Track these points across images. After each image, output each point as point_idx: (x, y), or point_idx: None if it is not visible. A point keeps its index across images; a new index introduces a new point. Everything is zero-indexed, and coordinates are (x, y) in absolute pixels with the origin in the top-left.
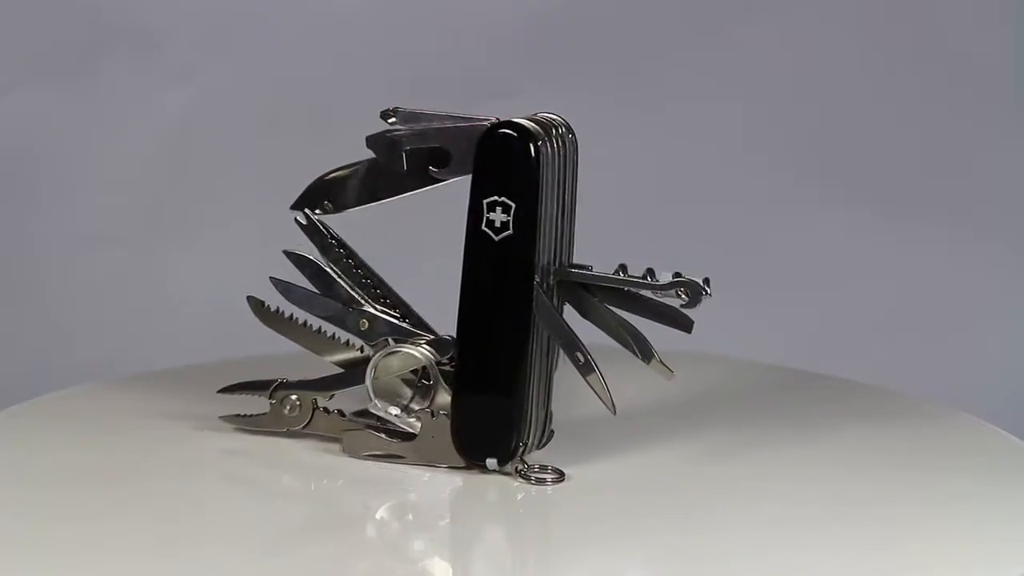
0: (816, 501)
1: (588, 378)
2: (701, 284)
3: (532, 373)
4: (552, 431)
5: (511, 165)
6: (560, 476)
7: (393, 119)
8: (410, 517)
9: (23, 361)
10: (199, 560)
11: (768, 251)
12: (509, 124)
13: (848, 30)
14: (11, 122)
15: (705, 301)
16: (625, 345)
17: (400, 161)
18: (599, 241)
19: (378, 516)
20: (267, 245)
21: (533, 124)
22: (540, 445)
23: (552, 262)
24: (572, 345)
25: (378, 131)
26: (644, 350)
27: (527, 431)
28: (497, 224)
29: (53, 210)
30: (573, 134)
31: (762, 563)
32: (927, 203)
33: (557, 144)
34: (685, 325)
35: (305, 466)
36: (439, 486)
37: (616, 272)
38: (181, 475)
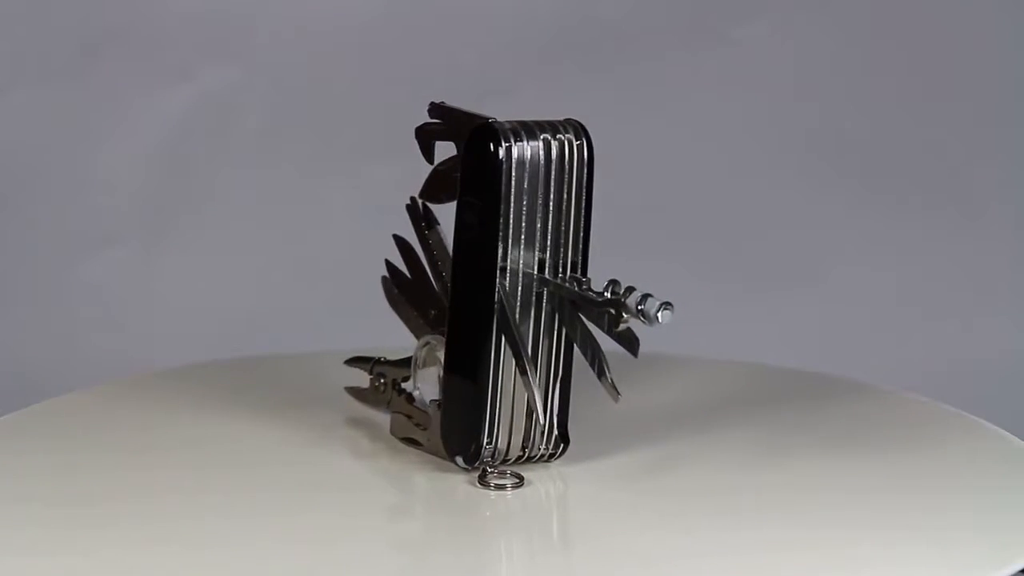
0: (810, 502)
1: (522, 378)
2: (629, 307)
3: (499, 376)
4: (563, 443)
5: (477, 165)
6: (520, 481)
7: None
8: (350, 510)
9: (21, 361)
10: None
11: (767, 250)
12: (484, 124)
13: (848, 29)
14: (11, 122)
15: (656, 326)
16: (586, 358)
17: (431, 154)
18: (596, 240)
19: (314, 502)
20: (267, 245)
21: (516, 126)
22: (540, 456)
23: (533, 268)
24: (516, 353)
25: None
26: (599, 367)
27: (496, 433)
28: (468, 224)
29: (53, 210)
30: (583, 140)
31: (732, 565)
32: (928, 202)
33: (546, 149)
34: (632, 348)
35: (303, 453)
36: (408, 481)
37: (605, 290)
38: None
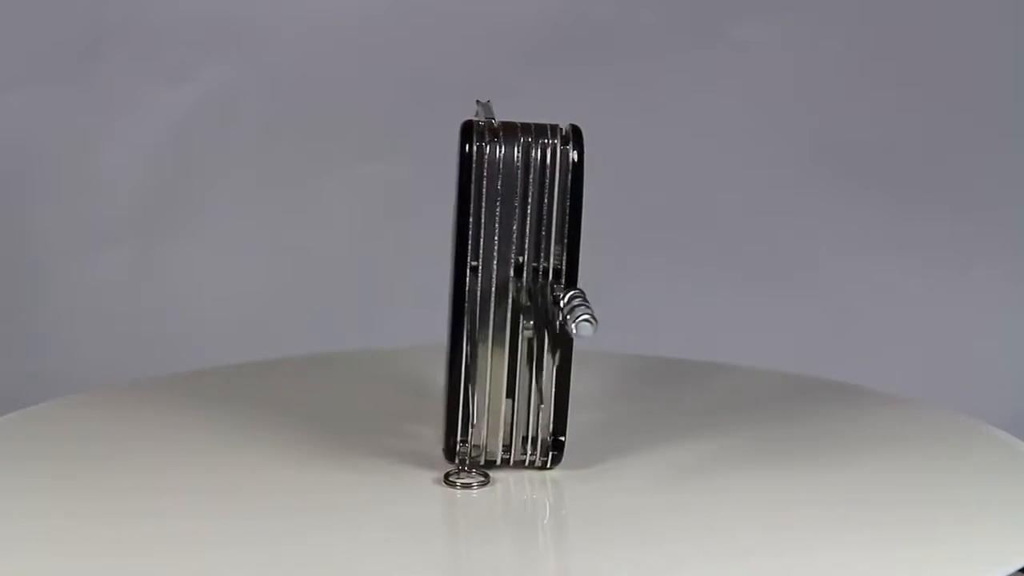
0: (804, 505)
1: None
2: (533, 313)
3: (472, 373)
4: (552, 452)
5: (458, 163)
6: (485, 480)
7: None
8: (308, 505)
9: (20, 362)
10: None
11: (767, 251)
12: (466, 123)
13: (848, 29)
14: (11, 122)
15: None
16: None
17: None
18: (596, 241)
19: (274, 495)
20: (267, 245)
21: (498, 127)
22: (529, 462)
23: (509, 271)
24: (470, 352)
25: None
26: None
27: (469, 433)
28: (455, 220)
29: (53, 210)
30: (570, 146)
31: (725, 568)
32: (929, 201)
33: (525, 152)
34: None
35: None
36: (381, 477)
37: (562, 298)
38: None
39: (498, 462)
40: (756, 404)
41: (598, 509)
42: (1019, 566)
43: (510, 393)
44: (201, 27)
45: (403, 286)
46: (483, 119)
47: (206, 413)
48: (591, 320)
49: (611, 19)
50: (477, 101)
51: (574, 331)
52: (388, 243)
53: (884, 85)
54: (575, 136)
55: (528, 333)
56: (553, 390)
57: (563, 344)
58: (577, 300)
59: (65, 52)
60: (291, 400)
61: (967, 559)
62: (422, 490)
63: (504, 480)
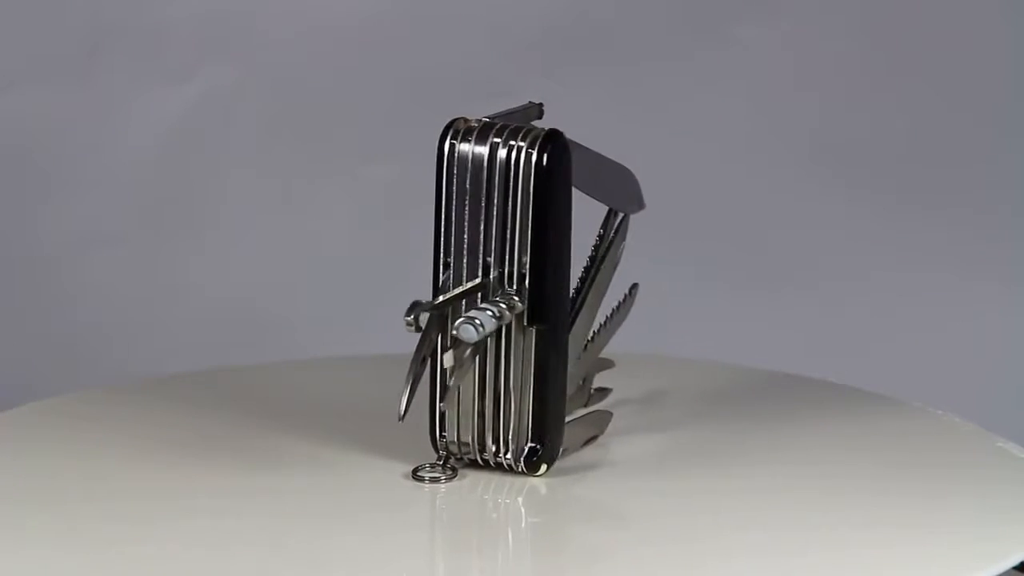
0: (796, 503)
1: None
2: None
3: (448, 371)
4: (527, 457)
5: None
6: (454, 474)
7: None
8: (287, 499)
9: (19, 362)
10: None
11: (768, 252)
12: (450, 122)
13: (849, 29)
14: (11, 121)
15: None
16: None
17: None
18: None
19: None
20: (266, 245)
21: (475, 126)
22: (508, 466)
23: (477, 272)
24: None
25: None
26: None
27: (444, 425)
28: None
29: (53, 210)
30: (536, 150)
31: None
32: (930, 202)
33: (492, 153)
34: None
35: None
36: (366, 471)
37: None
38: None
39: (479, 461)
40: (751, 404)
41: (560, 510)
42: (1013, 563)
43: (484, 392)
44: (201, 27)
45: (403, 287)
46: (482, 118)
47: (200, 414)
48: (474, 326)
49: (611, 18)
50: (530, 101)
51: (456, 332)
52: (387, 244)
53: (885, 86)
54: (546, 139)
55: (410, 328)
56: (531, 392)
57: (541, 345)
58: (487, 304)
59: (65, 52)
60: (289, 401)
61: (964, 557)
62: (386, 483)
63: (475, 479)
